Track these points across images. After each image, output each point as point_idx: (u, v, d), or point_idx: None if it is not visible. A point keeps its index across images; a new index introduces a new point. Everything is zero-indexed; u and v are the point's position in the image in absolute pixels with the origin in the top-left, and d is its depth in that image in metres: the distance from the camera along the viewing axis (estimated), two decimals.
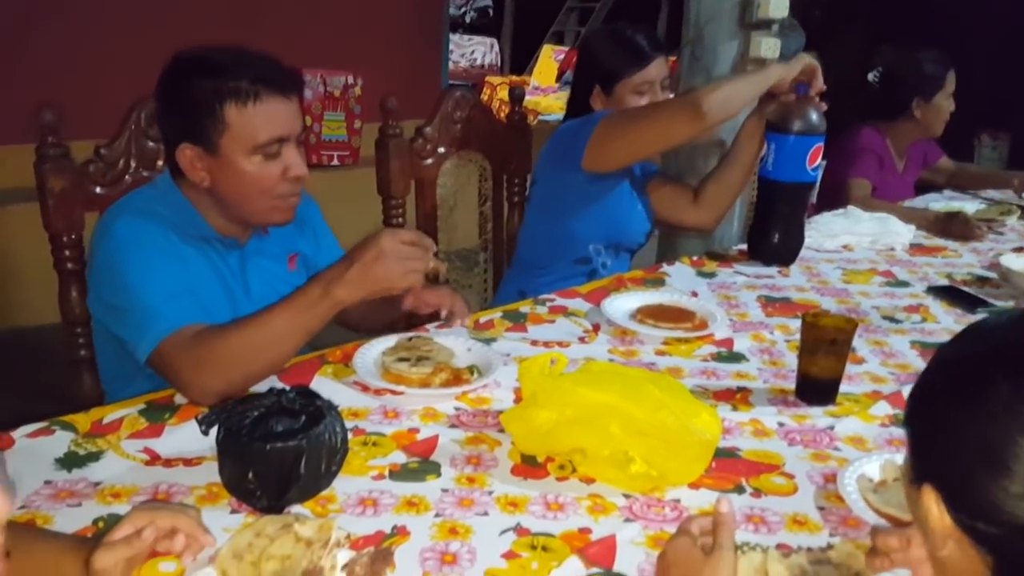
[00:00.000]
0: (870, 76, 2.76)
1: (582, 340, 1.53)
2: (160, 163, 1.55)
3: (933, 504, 0.64)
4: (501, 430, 1.19)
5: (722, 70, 2.44)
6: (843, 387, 1.34)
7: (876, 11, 6.72)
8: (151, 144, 1.53)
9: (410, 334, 1.46)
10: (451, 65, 6.83)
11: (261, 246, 1.44)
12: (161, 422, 1.18)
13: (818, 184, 2.81)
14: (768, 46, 2.45)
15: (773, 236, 1.95)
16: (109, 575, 0.83)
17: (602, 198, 1.93)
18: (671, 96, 1.98)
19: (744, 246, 2.03)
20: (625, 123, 1.81)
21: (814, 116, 1.82)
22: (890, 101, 2.70)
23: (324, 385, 1.31)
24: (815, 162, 1.85)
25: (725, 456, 1.16)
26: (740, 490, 1.10)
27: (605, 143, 1.81)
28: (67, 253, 1.50)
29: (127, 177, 1.53)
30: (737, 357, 1.49)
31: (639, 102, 1.91)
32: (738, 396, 1.34)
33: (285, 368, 1.34)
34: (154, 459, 1.10)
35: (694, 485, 1.09)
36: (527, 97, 5.98)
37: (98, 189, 1.50)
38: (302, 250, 1.52)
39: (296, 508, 1.01)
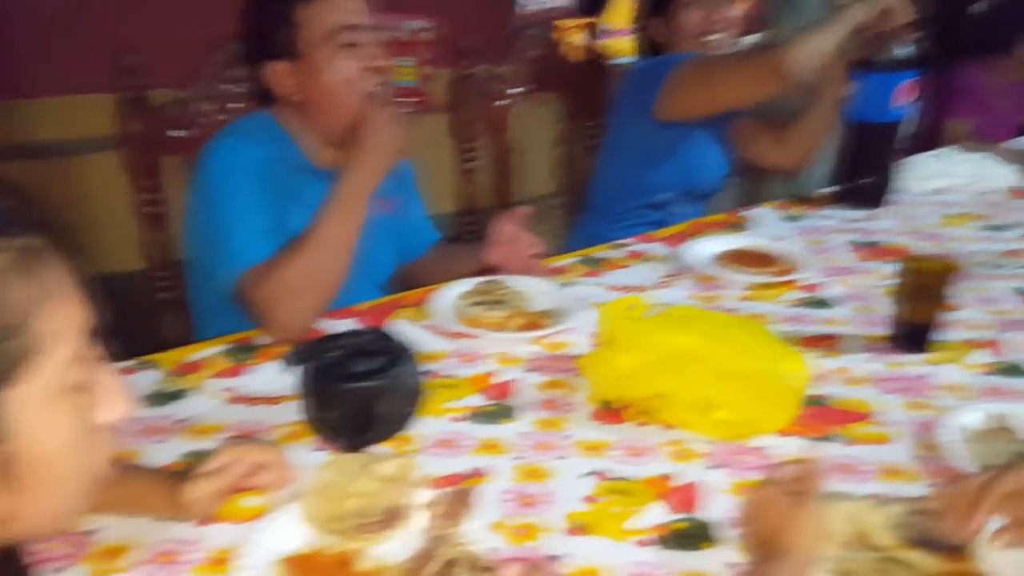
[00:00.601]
0: (974, 8, 2.59)
1: (661, 285, 1.49)
2: (235, 105, 1.55)
3: None
4: (579, 375, 1.17)
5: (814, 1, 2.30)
6: (941, 334, 1.27)
7: None
8: (227, 87, 1.54)
9: (485, 278, 1.44)
10: (521, 9, 6.68)
11: None
12: (244, 362, 1.19)
13: (913, 124, 2.66)
14: None
15: (861, 179, 1.86)
16: (197, 507, 0.85)
17: (676, 144, 1.86)
18: (736, 9, 1.87)
19: (832, 189, 1.94)
20: (700, 76, 1.72)
21: (898, 51, 1.69)
22: (994, 36, 2.52)
23: (401, 328, 1.30)
24: (903, 100, 1.74)
25: (814, 404, 1.11)
26: (829, 439, 1.05)
27: (679, 95, 1.73)
28: (147, 196, 1.52)
29: (203, 120, 1.54)
30: (825, 303, 1.43)
31: (697, 16, 1.83)
32: (827, 343, 1.29)
33: (362, 311, 1.35)
34: (237, 398, 1.12)
35: (781, 433, 1.05)
36: (598, 40, 5.82)
37: (176, 133, 1.52)
38: (394, 195, 1.52)
39: (376, 448, 1.01)
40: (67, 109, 2.75)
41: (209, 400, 1.11)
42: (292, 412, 1.06)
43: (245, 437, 1.02)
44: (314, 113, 1.34)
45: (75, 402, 0.54)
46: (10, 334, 0.49)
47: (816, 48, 1.62)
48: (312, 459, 0.98)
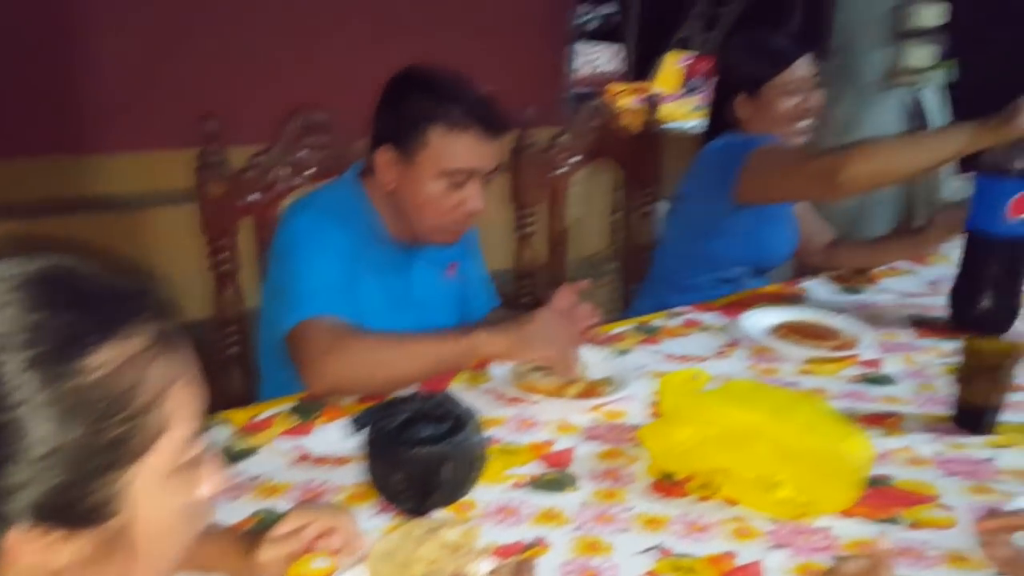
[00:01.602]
0: None
1: (719, 355, 1.50)
2: (310, 171, 1.62)
3: None
4: (638, 445, 1.18)
5: (871, 80, 2.33)
6: (1005, 415, 1.25)
7: None
8: (304, 153, 1.60)
9: None
10: (573, 73, 6.82)
11: (427, 252, 1.50)
12: (311, 420, 1.23)
13: None
14: (920, 55, 2.32)
15: (981, 300, 1.58)
16: (270, 569, 0.87)
17: (751, 221, 1.85)
18: (820, 95, 1.88)
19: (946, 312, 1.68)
20: (770, 166, 1.73)
21: (1017, 155, 1.47)
22: None
23: (459, 393, 1.32)
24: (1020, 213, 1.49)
25: (877, 484, 1.10)
26: (894, 521, 1.04)
27: (752, 180, 1.74)
28: (223, 255, 1.58)
29: (279, 184, 1.60)
30: (885, 380, 1.42)
31: (789, 103, 1.83)
32: (888, 421, 1.28)
33: None
34: (304, 457, 1.14)
35: (845, 513, 1.04)
36: (652, 108, 5.90)
37: (252, 195, 1.58)
38: (460, 260, 1.57)
39: (438, 512, 1.03)
40: (142, 164, 2.88)
41: (277, 459, 1.14)
42: (357, 473, 1.08)
43: (315, 500, 1.04)
44: (398, 205, 1.40)
45: (187, 478, 0.57)
46: (146, 411, 0.53)
47: (890, 164, 1.55)
48: (375, 522, 1.00)
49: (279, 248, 1.38)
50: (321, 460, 1.13)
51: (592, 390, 1.34)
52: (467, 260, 1.60)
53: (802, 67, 1.85)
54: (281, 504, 1.03)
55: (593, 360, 1.42)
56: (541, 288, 2.03)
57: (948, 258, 1.83)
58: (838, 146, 1.64)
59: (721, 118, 1.94)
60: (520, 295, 2.03)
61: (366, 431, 1.05)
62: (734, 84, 1.90)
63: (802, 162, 1.69)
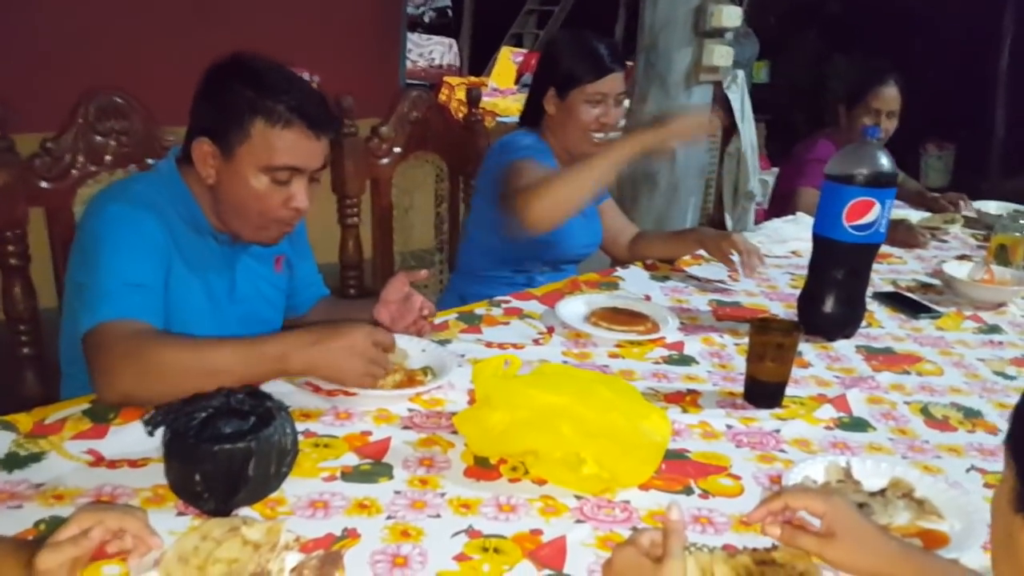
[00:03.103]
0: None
1: (536, 342, 1.54)
2: (108, 157, 1.52)
3: None
4: (454, 432, 1.19)
5: (676, 77, 2.47)
6: (789, 390, 1.37)
7: (830, 20, 6.89)
8: (99, 138, 1.51)
9: None
10: (409, 64, 6.80)
11: (253, 245, 1.43)
12: (106, 422, 1.15)
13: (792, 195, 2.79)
14: (721, 54, 2.49)
15: (824, 304, 1.63)
16: None
17: None
18: (622, 111, 1.96)
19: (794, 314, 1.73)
20: (504, 186, 1.77)
21: (861, 162, 1.53)
22: (824, 108, 2.70)
23: (276, 387, 1.28)
24: (859, 220, 1.53)
25: (675, 458, 1.17)
26: (688, 491, 1.11)
27: (499, 193, 1.79)
28: (10, 248, 1.46)
29: (74, 171, 1.50)
30: (687, 360, 1.51)
31: (591, 112, 1.88)
32: (688, 399, 1.36)
33: None
34: (98, 460, 1.08)
35: (644, 486, 1.10)
36: (485, 98, 5.98)
37: (44, 184, 1.47)
38: (287, 252, 1.52)
39: (244, 511, 1.00)
40: None
41: (69, 463, 1.06)
42: (156, 475, 1.03)
43: (105, 502, 0.99)
44: (219, 200, 1.33)
45: None
46: None
47: (563, 195, 1.64)
48: (177, 523, 0.96)
49: (83, 240, 1.28)
50: (116, 463, 1.07)
51: (412, 379, 1.34)
52: (295, 253, 1.56)
53: (612, 81, 1.90)
54: (71, 511, 0.96)
55: (414, 349, 1.42)
56: (368, 280, 2.02)
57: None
58: (529, 184, 1.69)
59: (533, 110, 1.98)
60: (346, 287, 2.00)
61: (163, 430, 1.00)
62: (549, 78, 1.94)
63: (518, 192, 1.71)
